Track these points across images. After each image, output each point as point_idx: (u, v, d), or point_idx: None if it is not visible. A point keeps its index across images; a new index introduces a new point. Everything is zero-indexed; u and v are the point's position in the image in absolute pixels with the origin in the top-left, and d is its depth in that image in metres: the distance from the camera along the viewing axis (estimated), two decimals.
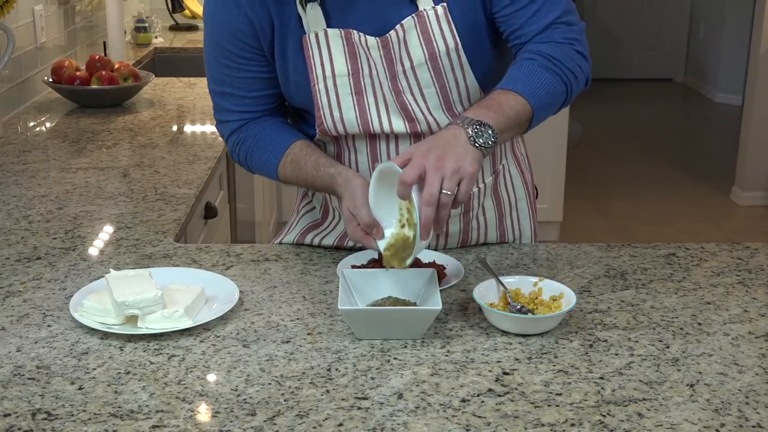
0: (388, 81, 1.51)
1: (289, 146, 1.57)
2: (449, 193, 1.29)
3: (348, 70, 1.51)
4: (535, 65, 1.45)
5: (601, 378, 1.21)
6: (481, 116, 1.36)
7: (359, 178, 1.45)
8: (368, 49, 1.50)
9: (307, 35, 1.51)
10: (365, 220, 1.39)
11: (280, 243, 1.74)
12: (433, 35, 1.48)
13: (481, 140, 1.33)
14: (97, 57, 3.01)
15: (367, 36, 1.49)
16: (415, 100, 1.52)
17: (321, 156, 1.55)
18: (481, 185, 1.65)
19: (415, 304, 1.36)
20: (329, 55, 1.51)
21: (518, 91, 1.42)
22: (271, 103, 1.62)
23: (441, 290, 1.39)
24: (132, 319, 1.35)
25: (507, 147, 1.68)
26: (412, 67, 1.50)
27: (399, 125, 1.54)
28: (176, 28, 4.57)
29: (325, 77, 1.51)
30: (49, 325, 1.36)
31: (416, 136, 1.54)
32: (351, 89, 1.52)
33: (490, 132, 1.34)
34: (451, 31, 1.49)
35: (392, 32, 1.49)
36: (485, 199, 1.67)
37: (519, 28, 1.50)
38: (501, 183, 1.69)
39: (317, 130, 1.57)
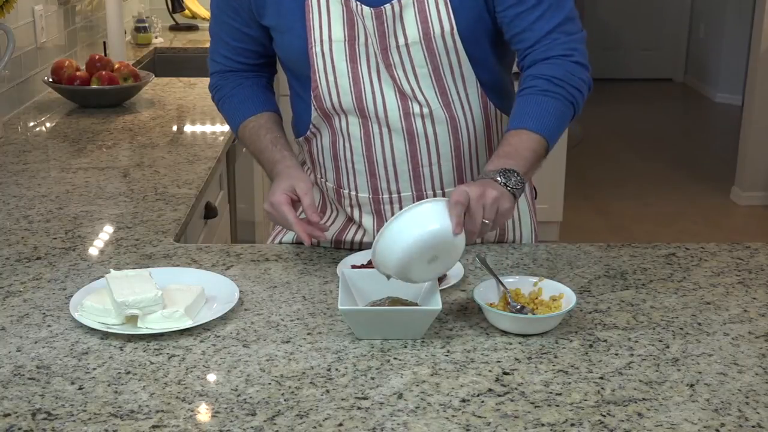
0: (380, 52, 1.53)
1: (257, 114, 1.67)
2: (488, 222, 1.34)
3: (345, 36, 1.53)
4: (540, 96, 1.49)
5: (601, 378, 1.21)
6: (503, 165, 1.40)
7: (307, 178, 1.54)
8: (363, 19, 1.51)
9: None
10: (309, 202, 1.49)
11: (280, 242, 1.74)
12: (430, 15, 1.50)
13: (511, 183, 1.39)
14: (97, 57, 3.01)
15: (363, 5, 1.51)
16: (407, 77, 1.54)
17: (283, 137, 1.64)
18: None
19: (415, 304, 1.36)
20: (328, 19, 1.53)
21: (530, 129, 1.46)
22: (253, 59, 1.69)
23: (441, 290, 1.39)
24: (132, 319, 1.35)
25: None
26: (407, 44, 1.52)
27: (391, 100, 1.55)
28: (176, 28, 4.56)
29: (322, 41, 1.54)
30: (49, 325, 1.36)
31: (407, 116, 1.56)
32: (346, 56, 1.54)
33: (516, 176, 1.40)
34: (448, 14, 1.50)
35: (387, 5, 1.50)
36: None
37: (522, 32, 1.52)
38: None
39: (313, 105, 1.59)
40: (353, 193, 1.64)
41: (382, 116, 1.56)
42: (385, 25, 1.51)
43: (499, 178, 1.38)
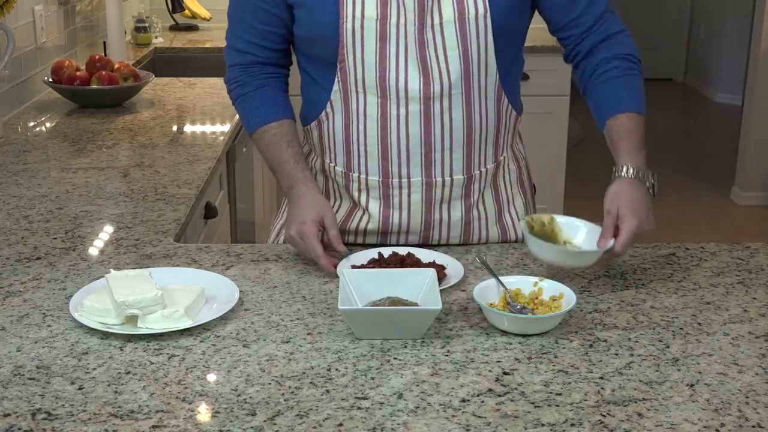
0: (416, 30, 1.55)
1: (281, 120, 1.67)
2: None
3: (377, 14, 1.55)
4: (626, 79, 1.60)
5: (601, 378, 1.21)
6: (634, 159, 1.53)
7: (330, 207, 1.59)
8: None
9: None
10: (336, 234, 1.54)
11: (284, 242, 1.74)
12: None
13: (650, 189, 1.53)
14: (97, 57, 3.01)
15: None
16: (437, 58, 1.56)
17: (303, 154, 1.67)
18: (483, 169, 1.67)
19: (415, 304, 1.36)
20: None
21: (633, 110, 1.58)
22: (277, 43, 1.67)
23: (441, 290, 1.39)
24: (132, 319, 1.35)
25: (507, 142, 1.70)
26: (441, 23, 1.55)
27: (414, 80, 1.56)
28: (176, 28, 4.56)
29: (354, 17, 1.55)
30: (49, 325, 1.36)
31: (427, 99, 1.57)
32: (376, 34, 1.55)
33: (655, 183, 1.54)
34: None
35: None
36: (485, 188, 1.68)
37: (578, 16, 1.61)
38: (500, 175, 1.70)
39: (337, 78, 1.59)
40: (363, 176, 1.65)
41: (402, 96, 1.58)
42: (425, 0, 1.53)
43: (650, 190, 1.52)
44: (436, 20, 1.55)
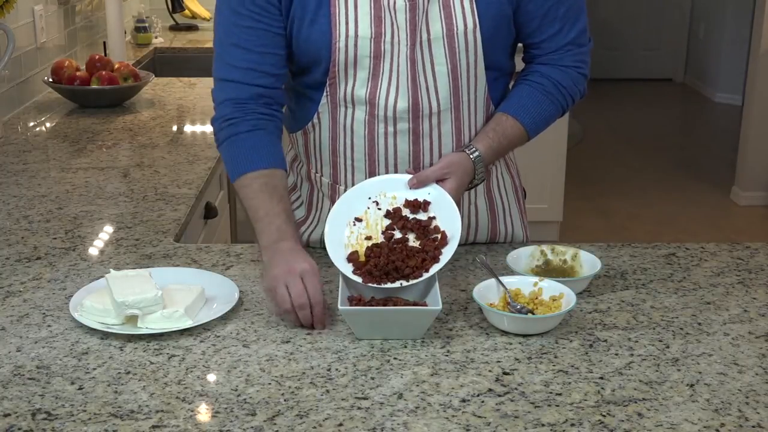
0: (408, 49, 1.53)
1: (273, 169, 1.53)
2: None
3: (371, 33, 1.52)
4: (543, 96, 1.61)
5: (601, 378, 1.21)
6: (488, 157, 1.57)
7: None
8: (395, 13, 1.51)
9: None
10: (321, 309, 1.36)
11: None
12: (454, 12, 1.52)
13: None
14: (97, 57, 3.01)
15: None
16: (425, 75, 1.55)
17: (292, 214, 1.54)
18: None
19: (415, 305, 1.36)
20: (355, 15, 1.52)
21: (524, 124, 1.60)
22: (276, 67, 1.56)
23: (440, 289, 1.39)
24: (132, 319, 1.35)
25: None
26: (429, 39, 1.53)
27: (403, 101, 1.55)
28: (176, 28, 4.56)
29: (347, 36, 1.52)
30: (49, 325, 1.36)
31: (416, 118, 1.56)
32: (371, 52, 1.53)
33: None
34: (473, 11, 1.52)
35: None
36: (477, 199, 1.67)
37: (541, 42, 1.61)
38: (494, 184, 1.70)
39: (326, 92, 1.56)
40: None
41: (391, 116, 1.55)
42: (417, 17, 1.51)
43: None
44: (425, 36, 1.52)
